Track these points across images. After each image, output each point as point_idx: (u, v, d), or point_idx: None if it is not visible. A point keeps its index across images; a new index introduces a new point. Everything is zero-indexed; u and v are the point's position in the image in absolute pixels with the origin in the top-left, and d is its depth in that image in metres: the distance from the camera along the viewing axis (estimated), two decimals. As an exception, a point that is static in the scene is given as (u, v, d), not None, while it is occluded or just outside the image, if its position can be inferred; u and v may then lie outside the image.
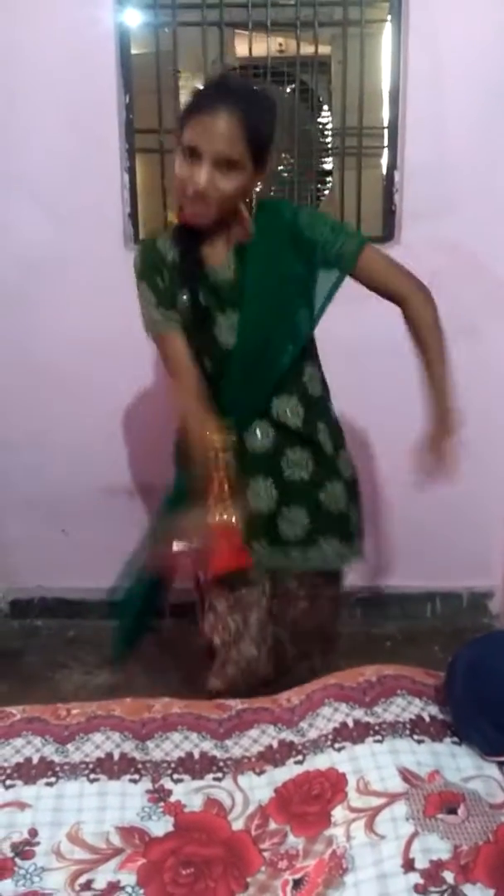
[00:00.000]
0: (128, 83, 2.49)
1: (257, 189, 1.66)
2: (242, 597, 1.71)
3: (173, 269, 1.63)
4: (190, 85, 2.59)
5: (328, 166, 2.78)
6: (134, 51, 2.51)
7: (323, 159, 2.76)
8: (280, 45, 2.59)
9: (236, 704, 1.44)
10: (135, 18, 2.50)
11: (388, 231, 2.58)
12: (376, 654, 2.41)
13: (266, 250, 1.62)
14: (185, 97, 2.61)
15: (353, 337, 2.47)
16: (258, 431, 1.67)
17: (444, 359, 1.64)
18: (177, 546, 1.65)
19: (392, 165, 2.55)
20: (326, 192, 2.89)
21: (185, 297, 1.61)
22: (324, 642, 1.89)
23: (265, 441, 1.68)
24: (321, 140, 2.74)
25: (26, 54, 2.41)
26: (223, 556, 1.60)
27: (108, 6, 2.41)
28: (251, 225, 1.63)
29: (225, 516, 1.59)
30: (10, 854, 1.15)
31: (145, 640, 2.69)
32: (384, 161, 2.59)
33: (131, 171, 2.55)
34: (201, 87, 1.58)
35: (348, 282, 1.67)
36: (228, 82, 1.61)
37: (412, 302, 1.65)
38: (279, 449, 1.68)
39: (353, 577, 2.80)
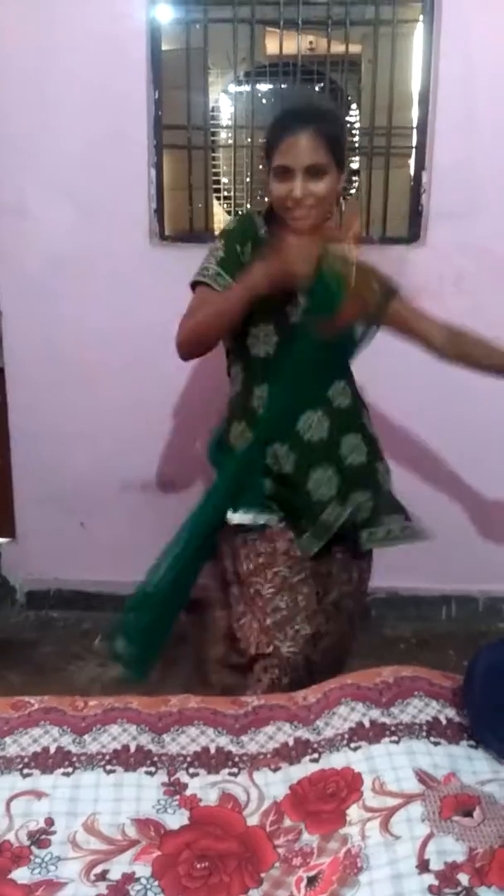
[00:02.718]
0: (157, 79, 2.50)
1: (341, 188, 1.76)
2: (286, 579, 1.74)
3: (261, 243, 1.74)
4: (220, 82, 2.60)
5: (355, 165, 2.78)
6: (164, 47, 2.53)
7: (350, 158, 2.75)
8: (311, 43, 2.60)
9: (252, 700, 1.44)
10: (166, 14, 2.51)
11: (415, 232, 2.58)
12: (390, 656, 2.40)
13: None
14: (214, 94, 2.63)
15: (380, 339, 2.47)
16: (315, 421, 1.76)
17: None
18: None
19: (420, 166, 2.54)
20: (353, 191, 2.89)
21: None
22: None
23: (322, 431, 1.76)
24: (349, 139, 2.74)
25: (57, 47, 2.43)
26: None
27: (140, 2, 2.42)
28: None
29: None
30: (27, 842, 1.16)
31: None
32: (412, 161, 2.58)
33: (158, 167, 2.56)
34: (278, 114, 1.75)
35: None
36: (300, 104, 1.82)
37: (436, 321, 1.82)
38: (335, 436, 1.78)
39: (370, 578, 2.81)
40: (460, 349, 1.80)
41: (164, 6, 2.48)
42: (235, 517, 1.74)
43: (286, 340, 1.73)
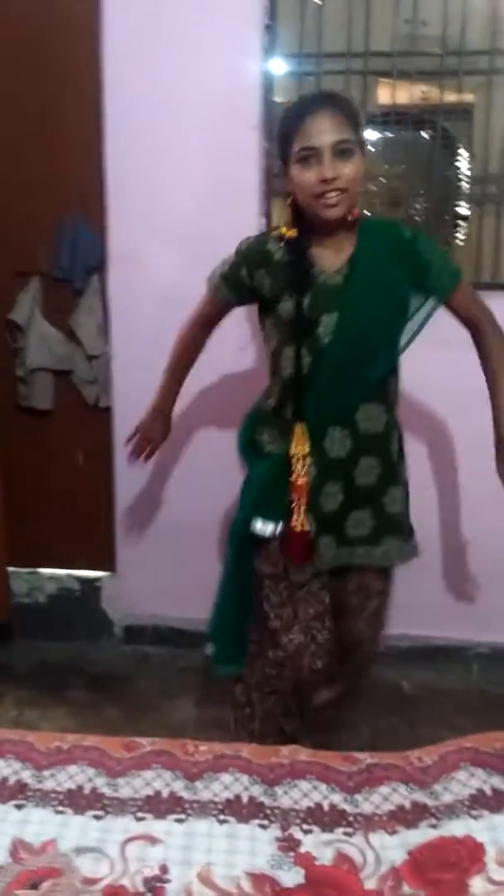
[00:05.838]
0: (270, 130, 2.56)
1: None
2: (293, 593, 1.84)
3: (277, 269, 1.76)
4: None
5: (465, 212, 2.76)
6: (277, 99, 2.58)
7: (458, 204, 2.74)
8: (423, 92, 2.61)
9: (365, 758, 1.41)
10: (280, 67, 2.57)
11: (526, 278, 2.54)
12: (496, 716, 2.33)
13: (376, 259, 1.74)
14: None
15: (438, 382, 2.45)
16: (337, 439, 1.79)
17: None
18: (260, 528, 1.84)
19: (533, 214, 2.51)
20: (459, 236, 2.87)
21: (289, 303, 1.74)
22: (372, 641, 2.03)
23: (342, 450, 1.79)
24: (458, 185, 2.73)
25: (173, 100, 2.52)
26: (293, 552, 1.81)
27: (255, 55, 2.49)
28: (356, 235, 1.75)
29: (300, 520, 1.79)
30: (143, 889, 1.16)
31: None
32: (525, 209, 2.56)
33: (268, 216, 2.61)
34: (290, 108, 1.74)
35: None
36: (311, 93, 1.90)
37: (487, 331, 1.83)
38: (354, 457, 1.80)
39: (471, 632, 2.73)
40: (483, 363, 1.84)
41: (278, 60, 2.55)
42: (258, 526, 1.82)
43: (316, 361, 1.73)
